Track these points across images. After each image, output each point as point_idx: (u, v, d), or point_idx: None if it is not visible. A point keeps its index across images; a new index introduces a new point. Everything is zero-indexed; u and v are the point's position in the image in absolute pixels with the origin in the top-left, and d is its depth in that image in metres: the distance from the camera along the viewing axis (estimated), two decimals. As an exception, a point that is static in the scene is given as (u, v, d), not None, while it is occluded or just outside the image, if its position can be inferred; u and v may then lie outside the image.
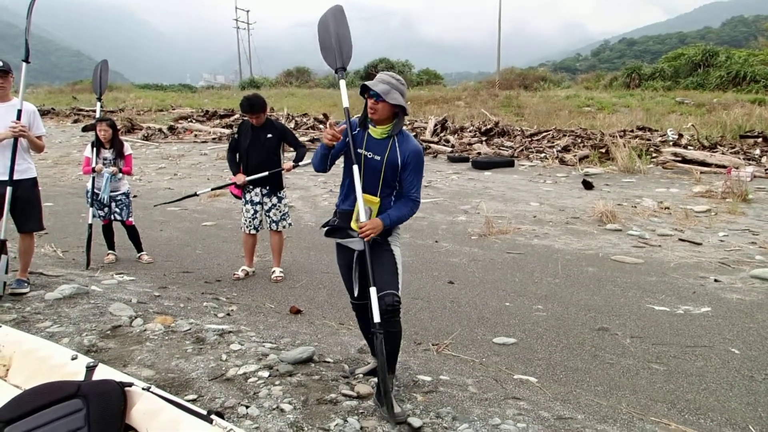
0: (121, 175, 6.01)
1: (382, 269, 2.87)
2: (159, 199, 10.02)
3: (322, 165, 3.02)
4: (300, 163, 5.46)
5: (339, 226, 2.99)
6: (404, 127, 2.98)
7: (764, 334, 4.26)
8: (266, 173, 5.36)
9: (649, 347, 4.05)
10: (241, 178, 5.41)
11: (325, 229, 3.07)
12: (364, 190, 2.86)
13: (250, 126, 5.40)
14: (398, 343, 2.91)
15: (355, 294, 3.06)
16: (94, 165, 5.85)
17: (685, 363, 3.81)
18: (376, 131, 2.88)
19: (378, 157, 2.85)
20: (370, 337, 3.07)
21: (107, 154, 5.94)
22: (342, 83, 3.00)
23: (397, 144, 2.86)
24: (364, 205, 2.83)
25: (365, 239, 2.79)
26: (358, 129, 2.94)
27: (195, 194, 5.71)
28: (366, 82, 2.80)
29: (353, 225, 2.90)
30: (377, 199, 2.87)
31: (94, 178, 5.89)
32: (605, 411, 3.12)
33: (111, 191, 5.99)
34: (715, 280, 5.54)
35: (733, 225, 7.80)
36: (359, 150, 2.89)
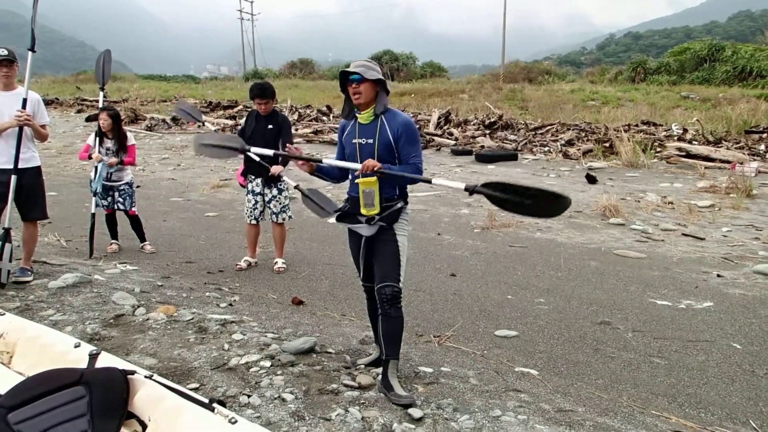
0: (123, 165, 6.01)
1: (385, 259, 2.95)
2: (162, 190, 10.06)
3: (338, 179, 3.26)
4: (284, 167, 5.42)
5: (349, 211, 3.06)
6: (392, 107, 3.05)
7: (766, 330, 4.25)
8: (271, 152, 5.32)
9: (651, 341, 4.05)
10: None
11: (337, 214, 3.17)
12: (363, 174, 2.90)
13: (255, 115, 5.40)
14: (400, 328, 2.95)
15: (363, 277, 3.19)
16: (92, 153, 5.86)
17: (687, 357, 3.81)
18: (363, 117, 2.97)
19: (371, 140, 2.94)
20: (375, 320, 3.19)
21: (110, 144, 5.94)
22: (254, 150, 3.35)
23: (386, 122, 2.94)
24: (367, 188, 2.89)
25: (368, 170, 2.83)
26: (348, 126, 3.08)
27: (203, 123, 5.78)
28: (343, 70, 2.93)
29: (363, 211, 2.96)
30: (374, 179, 2.89)
31: (96, 168, 5.90)
32: (606, 404, 3.13)
33: (114, 181, 5.99)
34: (718, 275, 5.53)
35: (736, 220, 7.78)
36: (354, 140, 3.00)
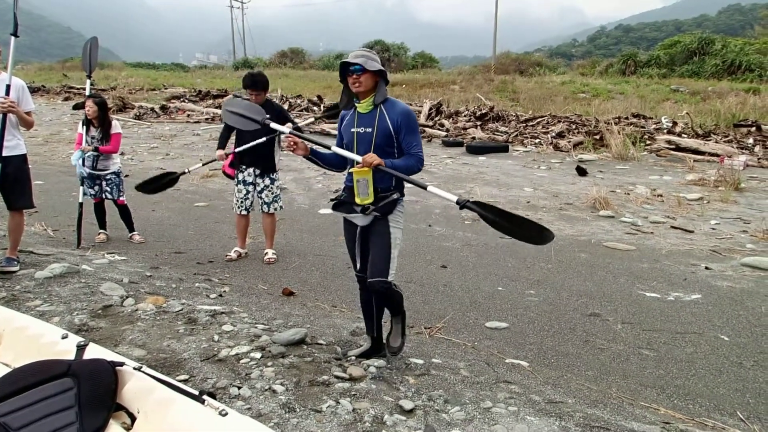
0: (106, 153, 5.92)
1: (376, 253, 2.96)
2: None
3: (337, 167, 3.24)
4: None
5: (345, 200, 3.06)
6: (390, 96, 3.04)
7: (753, 322, 4.30)
8: (255, 143, 5.25)
9: (640, 333, 4.08)
10: (220, 153, 5.42)
11: (333, 203, 3.17)
12: (358, 163, 2.91)
13: None
14: (400, 302, 3.09)
15: (358, 267, 3.19)
16: (83, 146, 5.80)
17: (675, 349, 3.84)
18: (362, 106, 2.97)
19: (369, 129, 2.94)
20: (368, 311, 3.25)
21: (95, 132, 5.87)
22: (274, 125, 3.26)
23: (385, 112, 2.94)
24: (360, 177, 2.89)
25: (368, 166, 2.84)
26: (347, 116, 3.07)
27: (185, 172, 5.71)
28: (344, 60, 2.93)
29: (357, 200, 2.96)
30: (368, 169, 2.88)
31: (84, 158, 5.83)
32: (595, 395, 3.14)
33: (100, 170, 5.92)
34: (706, 268, 5.57)
35: (724, 213, 7.85)
36: (352, 129, 2.99)
